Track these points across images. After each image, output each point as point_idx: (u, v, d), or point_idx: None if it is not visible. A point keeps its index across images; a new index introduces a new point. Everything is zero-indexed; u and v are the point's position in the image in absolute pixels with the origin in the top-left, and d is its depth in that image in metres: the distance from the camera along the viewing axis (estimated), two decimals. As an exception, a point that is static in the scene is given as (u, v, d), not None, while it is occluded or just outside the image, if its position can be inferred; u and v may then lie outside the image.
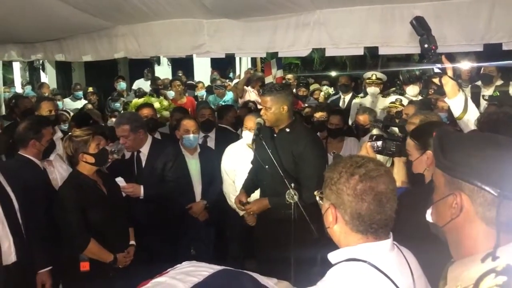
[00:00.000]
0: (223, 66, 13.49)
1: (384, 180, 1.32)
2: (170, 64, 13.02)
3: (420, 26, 2.65)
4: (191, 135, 4.10)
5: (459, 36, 4.20)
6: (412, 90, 6.10)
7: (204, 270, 2.23)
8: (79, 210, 2.95)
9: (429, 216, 1.25)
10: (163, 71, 12.43)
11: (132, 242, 3.33)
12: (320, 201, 1.51)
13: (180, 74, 11.26)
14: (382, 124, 2.81)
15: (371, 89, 6.18)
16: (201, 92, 8.65)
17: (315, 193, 1.79)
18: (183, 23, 5.42)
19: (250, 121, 3.90)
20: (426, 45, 2.58)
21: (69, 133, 3.29)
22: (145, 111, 4.71)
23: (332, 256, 1.40)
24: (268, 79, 7.42)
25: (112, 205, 3.18)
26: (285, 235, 3.04)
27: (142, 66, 13.14)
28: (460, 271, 1.12)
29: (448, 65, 2.65)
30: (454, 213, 1.12)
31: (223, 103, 7.52)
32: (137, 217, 3.58)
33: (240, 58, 11.36)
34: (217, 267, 2.29)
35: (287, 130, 3.43)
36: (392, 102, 5.60)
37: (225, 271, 2.28)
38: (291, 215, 2.89)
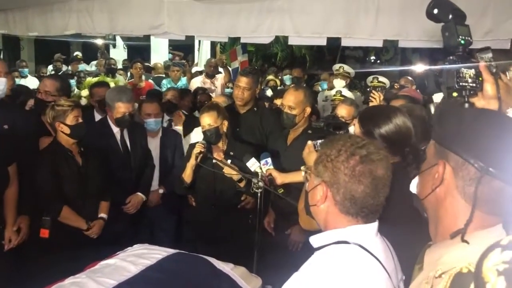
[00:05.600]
0: (182, 53, 13.17)
1: (383, 165, 1.25)
2: (126, 48, 12.58)
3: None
4: (153, 119, 3.86)
5: (421, 31, 4.24)
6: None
7: (157, 253, 2.11)
8: (53, 177, 3.01)
9: (413, 187, 1.18)
10: (119, 54, 11.98)
11: (102, 215, 3.23)
12: (307, 176, 1.40)
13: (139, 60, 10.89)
14: (324, 122, 2.72)
15: (337, 81, 6.12)
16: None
17: (302, 168, 1.68)
18: (142, 1, 5.21)
19: (219, 99, 4.05)
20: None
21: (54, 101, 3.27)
22: (100, 91, 4.39)
23: (316, 239, 1.31)
24: (234, 64, 7.54)
25: (85, 177, 3.15)
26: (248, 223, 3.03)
27: (95, 49, 12.65)
28: (439, 254, 1.04)
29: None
30: (434, 183, 1.06)
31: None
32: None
33: (199, 46, 11.13)
34: (171, 250, 2.17)
35: (255, 109, 3.75)
36: (334, 95, 5.52)
37: (179, 254, 2.17)
38: (257, 205, 2.79)
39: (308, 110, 3.19)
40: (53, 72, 9.66)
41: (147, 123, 3.83)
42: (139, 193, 3.68)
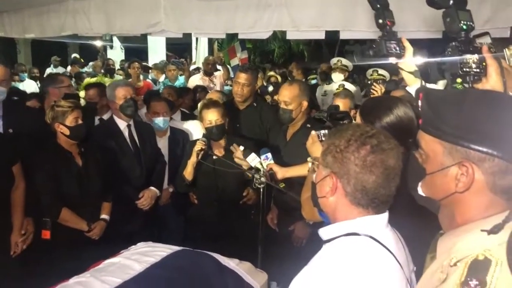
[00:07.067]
0: (179, 52, 13.17)
1: (394, 155, 1.21)
2: (123, 49, 12.56)
3: None
4: (161, 118, 3.82)
5: (419, 22, 4.21)
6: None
7: (161, 250, 2.09)
8: (52, 178, 2.96)
9: (420, 190, 1.13)
10: (116, 55, 11.97)
11: (104, 216, 3.20)
12: (315, 168, 1.36)
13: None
14: (327, 113, 2.67)
15: (335, 75, 6.10)
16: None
17: (308, 159, 1.64)
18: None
19: (213, 95, 4.03)
20: (380, 20, 1.97)
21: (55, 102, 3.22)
22: (90, 93, 4.37)
23: (325, 232, 1.27)
24: (234, 62, 7.51)
25: (86, 178, 3.11)
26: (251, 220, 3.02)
27: (93, 51, 12.64)
28: (452, 242, 1.01)
29: (408, 48, 2.02)
30: (462, 186, 1.00)
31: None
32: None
33: (197, 44, 11.10)
34: (175, 248, 2.15)
35: (254, 104, 3.77)
36: (337, 89, 5.49)
37: (184, 251, 2.15)
38: (259, 200, 2.76)
39: (305, 104, 3.13)
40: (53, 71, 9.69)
41: (154, 122, 3.80)
42: (152, 187, 3.58)
